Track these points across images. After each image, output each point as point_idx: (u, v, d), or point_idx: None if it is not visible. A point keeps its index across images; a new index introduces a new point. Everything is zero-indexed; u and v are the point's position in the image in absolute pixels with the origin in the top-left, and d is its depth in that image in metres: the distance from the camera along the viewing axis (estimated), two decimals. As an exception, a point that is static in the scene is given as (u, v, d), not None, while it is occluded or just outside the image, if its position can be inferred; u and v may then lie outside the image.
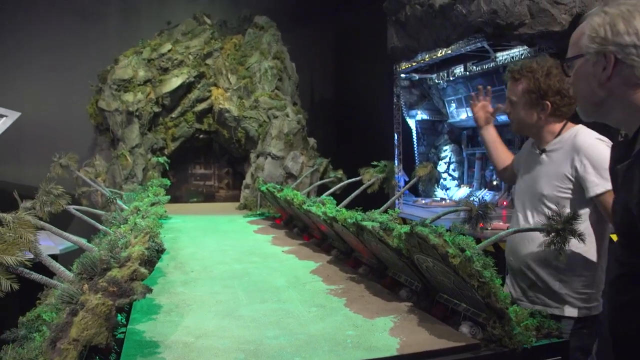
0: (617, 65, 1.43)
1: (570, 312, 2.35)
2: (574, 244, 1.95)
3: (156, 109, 6.04)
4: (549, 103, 2.40)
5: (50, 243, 4.38)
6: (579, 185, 2.28)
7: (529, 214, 2.47)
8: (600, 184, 2.20)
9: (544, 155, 2.45)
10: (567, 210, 2.25)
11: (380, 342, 1.62)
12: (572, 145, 2.33)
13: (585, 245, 2.15)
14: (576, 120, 2.31)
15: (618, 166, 1.52)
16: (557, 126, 2.45)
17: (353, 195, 3.48)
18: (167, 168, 6.00)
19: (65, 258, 3.72)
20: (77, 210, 2.88)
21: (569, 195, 2.32)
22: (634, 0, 1.44)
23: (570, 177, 2.30)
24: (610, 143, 2.26)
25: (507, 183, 2.95)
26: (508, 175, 2.87)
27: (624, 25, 1.41)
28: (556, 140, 2.42)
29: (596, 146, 2.26)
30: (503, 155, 2.90)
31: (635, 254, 1.49)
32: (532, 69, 2.43)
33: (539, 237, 2.27)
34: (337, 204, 3.24)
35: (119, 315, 1.75)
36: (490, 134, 2.93)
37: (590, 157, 2.24)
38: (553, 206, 2.32)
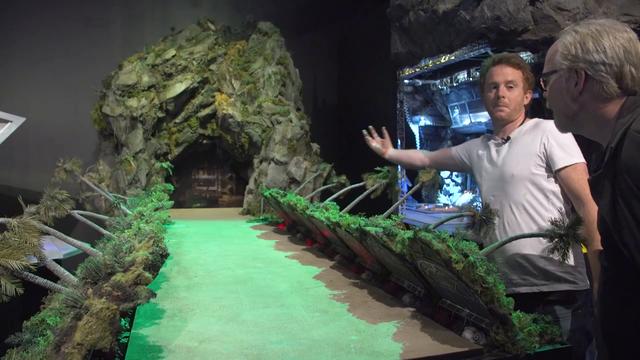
0: (588, 81, 1.54)
1: (558, 287, 2.49)
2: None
3: (160, 115, 6.05)
4: (530, 96, 2.71)
5: (54, 248, 4.39)
6: (547, 161, 2.49)
7: (502, 199, 2.62)
8: (564, 158, 2.42)
9: (508, 143, 2.66)
10: (554, 204, 2.39)
11: (383, 348, 1.62)
12: (537, 127, 2.58)
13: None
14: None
15: (590, 177, 1.60)
16: (519, 119, 2.71)
17: (356, 200, 3.49)
18: (171, 173, 6.01)
19: (69, 262, 3.73)
20: (81, 215, 2.89)
21: (540, 172, 2.51)
22: (603, 20, 1.55)
23: (540, 155, 2.50)
24: None
25: (440, 169, 3.33)
26: (440, 164, 3.25)
27: (593, 44, 1.52)
28: (518, 130, 2.66)
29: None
30: (416, 157, 3.40)
31: (615, 260, 1.57)
32: (524, 61, 2.73)
33: (515, 223, 2.52)
34: (341, 209, 3.25)
35: (122, 319, 1.75)
36: (396, 153, 3.54)
37: (555, 135, 2.47)
38: (521, 187, 2.53)
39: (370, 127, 3.55)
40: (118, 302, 1.28)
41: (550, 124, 2.52)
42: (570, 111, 1.62)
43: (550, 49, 1.67)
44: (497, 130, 2.75)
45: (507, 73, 2.64)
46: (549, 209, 2.51)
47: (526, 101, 2.69)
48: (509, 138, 2.66)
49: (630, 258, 1.46)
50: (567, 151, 2.44)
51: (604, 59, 1.50)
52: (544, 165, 2.50)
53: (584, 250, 2.79)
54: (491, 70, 2.70)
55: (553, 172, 2.47)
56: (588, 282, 2.56)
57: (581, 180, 2.39)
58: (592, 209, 2.34)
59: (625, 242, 1.45)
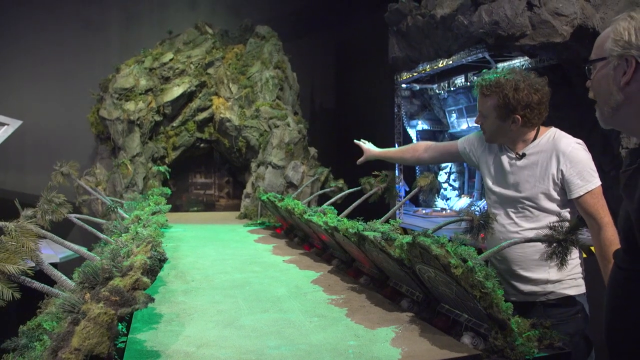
0: (638, 71, 1.45)
1: (561, 293, 2.50)
2: None
3: (157, 118, 6.05)
4: (519, 117, 2.46)
5: (51, 251, 4.38)
6: (562, 186, 2.42)
7: (511, 214, 2.56)
8: (583, 186, 2.36)
9: (524, 160, 2.53)
10: (565, 216, 2.36)
11: (382, 353, 1.62)
12: (554, 148, 2.44)
13: None
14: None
15: (622, 172, 1.54)
16: (530, 134, 2.54)
17: (354, 205, 3.48)
18: (168, 177, 6.00)
19: (66, 266, 3.72)
20: (78, 218, 2.88)
21: (555, 196, 2.45)
22: None
23: (557, 181, 2.42)
24: (584, 146, 2.44)
25: (430, 164, 3.31)
26: (441, 159, 3.24)
27: None
28: (534, 144, 2.52)
29: (578, 150, 2.40)
30: (406, 153, 3.26)
31: (635, 259, 1.50)
32: (500, 85, 2.48)
33: (520, 236, 2.45)
34: (338, 214, 3.24)
35: (119, 324, 1.74)
36: (385, 152, 3.39)
37: (574, 161, 2.38)
38: (535, 210, 2.48)
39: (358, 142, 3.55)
40: (116, 307, 1.27)
41: (569, 148, 2.41)
42: (614, 102, 1.52)
43: (602, 35, 1.58)
44: (508, 145, 2.64)
45: (479, 102, 2.58)
46: None
47: (514, 127, 2.50)
48: (524, 155, 2.54)
49: None
50: (585, 177, 2.37)
51: None
52: (559, 190, 2.45)
53: (584, 255, 2.80)
54: None
55: (569, 197, 2.43)
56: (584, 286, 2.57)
57: (597, 205, 2.37)
58: (607, 232, 2.33)
59: None
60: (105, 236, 2.77)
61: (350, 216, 2.97)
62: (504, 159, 2.61)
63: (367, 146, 3.51)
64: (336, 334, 1.81)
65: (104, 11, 7.19)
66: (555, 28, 3.90)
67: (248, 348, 1.66)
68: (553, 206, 2.47)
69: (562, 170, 2.40)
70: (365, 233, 2.20)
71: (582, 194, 2.37)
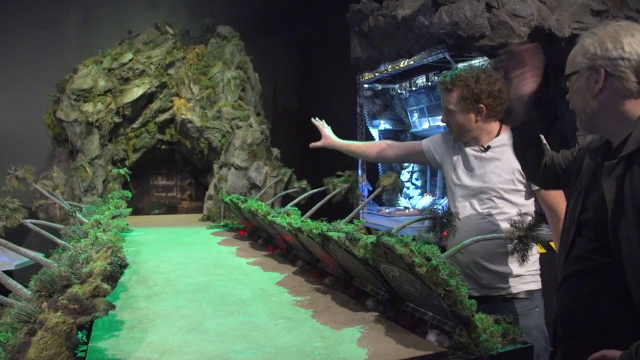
0: (608, 79, 1.61)
1: (520, 288, 2.59)
2: None
3: (117, 120, 5.93)
4: (483, 106, 2.59)
5: (5, 259, 4.23)
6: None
7: (476, 206, 2.64)
8: None
9: (489, 152, 2.62)
10: (528, 210, 2.43)
11: (348, 353, 1.62)
12: None
13: None
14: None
15: (604, 164, 1.65)
16: (494, 126, 2.66)
17: (318, 205, 3.48)
18: (128, 179, 5.88)
19: (21, 274, 3.59)
20: (34, 224, 2.80)
21: (520, 188, 2.56)
22: (621, 22, 1.64)
23: (522, 172, 2.51)
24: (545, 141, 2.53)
25: (393, 162, 3.35)
26: (405, 158, 3.27)
27: (611, 43, 1.59)
28: (498, 138, 2.63)
29: None
30: (369, 149, 3.29)
31: (598, 250, 1.64)
32: (463, 77, 2.61)
33: (486, 228, 2.55)
34: (302, 215, 3.23)
35: (79, 332, 1.69)
36: (348, 145, 3.40)
37: None
38: (498, 200, 2.57)
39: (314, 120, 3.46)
40: (75, 316, 1.24)
41: None
42: (590, 109, 1.68)
43: (571, 52, 1.74)
44: (472, 140, 2.73)
45: (443, 99, 2.66)
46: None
47: (479, 117, 2.61)
48: (489, 147, 2.64)
49: (616, 250, 1.56)
50: None
51: (622, 55, 1.57)
52: (524, 182, 2.56)
53: (541, 250, 2.88)
54: None
55: (532, 189, 2.52)
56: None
57: (558, 196, 2.48)
58: None
59: (617, 235, 1.54)
60: (63, 242, 2.69)
61: (314, 217, 2.96)
62: (470, 152, 2.70)
63: (327, 132, 3.46)
64: (302, 335, 1.80)
65: (60, 10, 6.98)
66: (513, 29, 3.98)
67: (213, 353, 1.64)
68: (516, 198, 2.56)
69: None
70: (330, 234, 2.20)
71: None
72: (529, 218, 2.10)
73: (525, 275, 2.59)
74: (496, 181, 2.58)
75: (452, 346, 1.63)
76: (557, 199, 2.48)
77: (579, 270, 1.74)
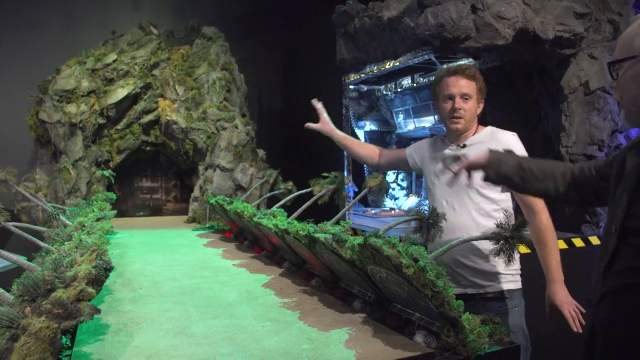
0: None
1: (499, 287, 2.61)
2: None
3: (101, 121, 5.87)
4: (482, 103, 2.74)
5: (-13, 262, 4.17)
6: None
7: (454, 204, 2.68)
8: None
9: (465, 150, 2.67)
10: (504, 206, 2.60)
11: (336, 355, 1.61)
12: (492, 139, 2.63)
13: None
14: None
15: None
16: (473, 127, 2.75)
17: (304, 206, 3.47)
18: (113, 181, 5.82)
19: (3, 278, 3.53)
20: (16, 227, 2.76)
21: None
22: None
23: None
24: (518, 138, 2.64)
25: (384, 170, 3.35)
26: (392, 165, 3.22)
27: None
28: (473, 138, 2.71)
29: (514, 141, 2.61)
30: (367, 153, 3.23)
31: None
32: (477, 71, 2.72)
33: (468, 227, 2.59)
34: (288, 216, 3.23)
35: (63, 337, 1.67)
36: (344, 138, 3.31)
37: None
38: (475, 196, 2.61)
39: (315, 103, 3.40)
40: (59, 321, 1.22)
41: (506, 137, 2.61)
42: None
43: (627, 34, 1.55)
44: (452, 138, 2.77)
45: (462, 85, 2.66)
46: (497, 218, 2.59)
47: (479, 111, 2.73)
48: (464, 146, 2.69)
49: None
50: None
51: None
52: None
53: (525, 250, 2.90)
54: (446, 81, 2.70)
55: None
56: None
57: None
58: (542, 217, 2.46)
59: None
60: (46, 245, 2.66)
61: (300, 218, 2.96)
62: (447, 153, 2.75)
63: (326, 116, 3.43)
64: (289, 338, 1.79)
65: (42, 9, 6.89)
66: (498, 31, 4.02)
67: (199, 356, 1.62)
68: (492, 193, 2.60)
69: None
70: (316, 235, 2.20)
71: None
72: (512, 217, 2.13)
73: (504, 274, 2.62)
74: (470, 175, 2.63)
75: (439, 347, 1.63)
76: None
77: (625, 285, 1.53)
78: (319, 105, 3.41)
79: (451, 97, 2.67)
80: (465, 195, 2.63)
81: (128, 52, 6.26)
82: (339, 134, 3.34)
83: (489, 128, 2.72)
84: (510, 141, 2.58)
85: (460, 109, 2.66)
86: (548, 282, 2.49)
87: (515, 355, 1.70)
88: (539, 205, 2.51)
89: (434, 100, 2.88)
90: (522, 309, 2.67)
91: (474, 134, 2.73)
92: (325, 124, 3.36)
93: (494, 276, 2.60)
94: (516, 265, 2.68)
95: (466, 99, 2.67)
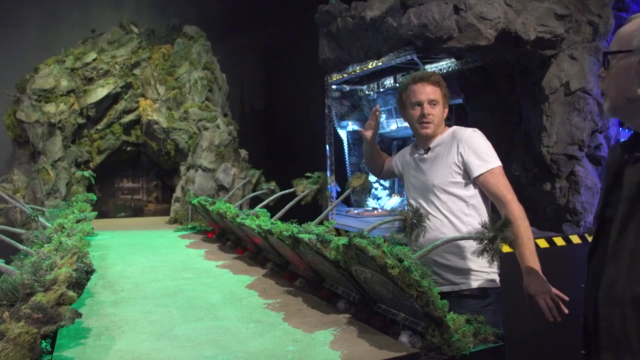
0: None
1: (474, 284, 2.62)
2: (471, 223, 2.53)
3: (80, 121, 5.80)
4: (447, 107, 2.82)
5: (-36, 265, 4.09)
6: (465, 169, 2.61)
7: (423, 204, 2.72)
8: (482, 165, 2.55)
9: (430, 153, 2.76)
10: (473, 202, 2.63)
11: (321, 357, 1.60)
12: (454, 138, 2.68)
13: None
14: None
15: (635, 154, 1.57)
16: (443, 128, 2.82)
17: (287, 207, 3.45)
18: (93, 182, 5.74)
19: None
20: (-6, 229, 2.70)
21: (459, 180, 2.64)
22: None
23: (458, 164, 2.62)
24: (481, 133, 2.64)
25: (381, 178, 3.47)
26: (380, 171, 3.30)
27: None
28: (437, 139, 2.76)
29: (474, 135, 2.63)
30: (379, 159, 3.31)
31: None
32: (442, 79, 2.81)
33: (439, 226, 2.63)
34: (271, 216, 3.21)
35: (43, 341, 1.63)
36: (373, 145, 3.31)
37: (470, 144, 2.61)
38: (443, 195, 2.65)
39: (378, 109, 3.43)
40: (39, 325, 1.19)
41: (465, 134, 2.65)
42: (633, 94, 1.56)
43: (626, 28, 1.62)
44: (422, 143, 2.83)
45: (428, 91, 2.74)
46: (468, 214, 2.64)
47: (444, 115, 2.80)
48: (429, 149, 2.77)
49: (614, 238, 1.52)
50: (483, 157, 2.57)
51: None
52: (462, 173, 2.64)
53: (506, 249, 2.91)
54: (412, 89, 2.76)
55: (471, 179, 2.58)
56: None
57: (499, 183, 2.56)
58: (512, 208, 2.48)
59: (627, 225, 1.49)
60: (25, 247, 2.60)
61: (283, 218, 2.94)
62: (416, 156, 2.85)
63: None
64: (274, 339, 1.78)
65: (20, 7, 6.79)
66: (480, 31, 4.04)
67: (183, 359, 1.60)
68: (458, 190, 2.64)
69: (461, 154, 2.60)
70: (300, 236, 2.18)
71: (482, 172, 2.55)
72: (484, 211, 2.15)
73: (479, 271, 2.64)
74: (435, 177, 2.69)
75: (424, 347, 1.63)
76: (499, 186, 2.55)
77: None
78: (377, 113, 3.42)
79: (419, 104, 2.73)
80: (432, 195, 2.67)
81: (108, 51, 6.19)
82: (372, 142, 3.32)
83: (452, 128, 2.77)
84: (471, 137, 2.62)
85: (429, 114, 2.72)
86: (523, 273, 2.50)
87: (500, 355, 1.71)
88: (508, 195, 2.53)
89: (400, 108, 2.93)
90: (498, 308, 2.68)
91: (439, 136, 2.79)
92: (374, 135, 3.33)
93: (468, 273, 2.62)
94: (492, 263, 2.69)
95: (434, 104, 2.74)
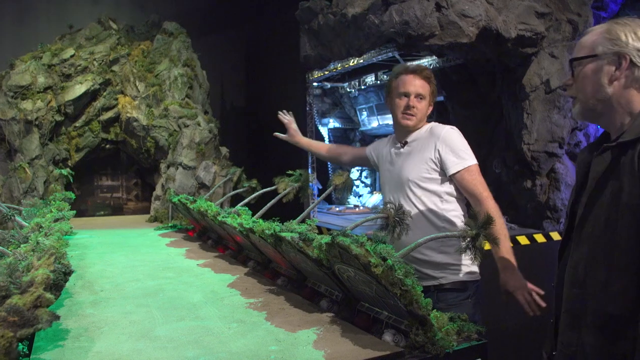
0: (629, 67, 1.61)
1: (453, 278, 2.64)
2: (446, 219, 2.58)
3: (58, 118, 5.71)
4: (432, 104, 2.82)
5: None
6: (441, 166, 2.63)
7: (400, 199, 2.72)
8: (458, 163, 2.57)
9: (406, 147, 2.77)
10: (448, 199, 2.66)
11: (304, 356, 1.59)
12: (431, 134, 2.69)
13: (460, 217, 2.64)
14: None
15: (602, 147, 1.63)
16: (424, 124, 2.83)
17: (269, 205, 3.43)
18: (71, 180, 5.68)
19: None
20: (-31, 228, 2.65)
21: (434, 176, 2.65)
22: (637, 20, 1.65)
23: (434, 160, 2.63)
24: (458, 131, 2.67)
25: (348, 167, 3.53)
26: (357, 162, 3.36)
27: None
28: (414, 134, 2.77)
29: (452, 133, 2.65)
30: (328, 151, 3.44)
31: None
32: (433, 75, 2.81)
33: (416, 221, 2.60)
34: (253, 215, 3.19)
35: (20, 344, 1.60)
36: (309, 144, 3.54)
37: (448, 141, 2.62)
38: (417, 190, 2.67)
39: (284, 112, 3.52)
40: (15, 329, 1.16)
41: (443, 131, 2.65)
42: (602, 96, 1.66)
43: (588, 37, 1.72)
44: (400, 136, 2.83)
45: (418, 85, 2.73)
46: (443, 209, 2.65)
47: (429, 112, 2.81)
48: (406, 143, 2.77)
49: (579, 225, 1.62)
50: (460, 155, 2.58)
51: None
52: (438, 169, 2.65)
53: (487, 247, 2.93)
54: (403, 78, 2.74)
55: (447, 176, 2.59)
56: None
57: (475, 181, 2.58)
58: (488, 205, 2.50)
59: (590, 210, 1.59)
60: (1, 248, 2.55)
61: (265, 217, 2.92)
62: (392, 150, 2.85)
63: (295, 127, 3.52)
64: (256, 339, 1.77)
65: (-6, 2, 6.67)
66: (462, 29, 4.05)
67: (164, 361, 1.58)
68: (433, 185, 2.65)
69: (438, 150, 2.61)
70: (282, 234, 2.17)
71: (458, 169, 2.57)
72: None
73: (457, 264, 2.65)
74: (410, 171, 2.70)
75: (408, 345, 1.63)
76: (475, 183, 2.57)
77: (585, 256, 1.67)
78: (287, 118, 3.52)
79: (407, 95, 2.73)
80: (408, 190, 2.67)
81: (86, 47, 6.09)
82: (304, 141, 3.54)
83: (430, 124, 2.77)
84: (448, 134, 2.62)
85: (414, 107, 2.72)
86: (500, 270, 2.51)
87: (484, 352, 1.71)
88: (484, 193, 2.54)
89: (386, 94, 2.93)
90: (477, 301, 2.70)
91: (417, 130, 2.79)
92: (294, 136, 3.48)
93: (448, 267, 2.63)
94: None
95: (421, 98, 2.74)
